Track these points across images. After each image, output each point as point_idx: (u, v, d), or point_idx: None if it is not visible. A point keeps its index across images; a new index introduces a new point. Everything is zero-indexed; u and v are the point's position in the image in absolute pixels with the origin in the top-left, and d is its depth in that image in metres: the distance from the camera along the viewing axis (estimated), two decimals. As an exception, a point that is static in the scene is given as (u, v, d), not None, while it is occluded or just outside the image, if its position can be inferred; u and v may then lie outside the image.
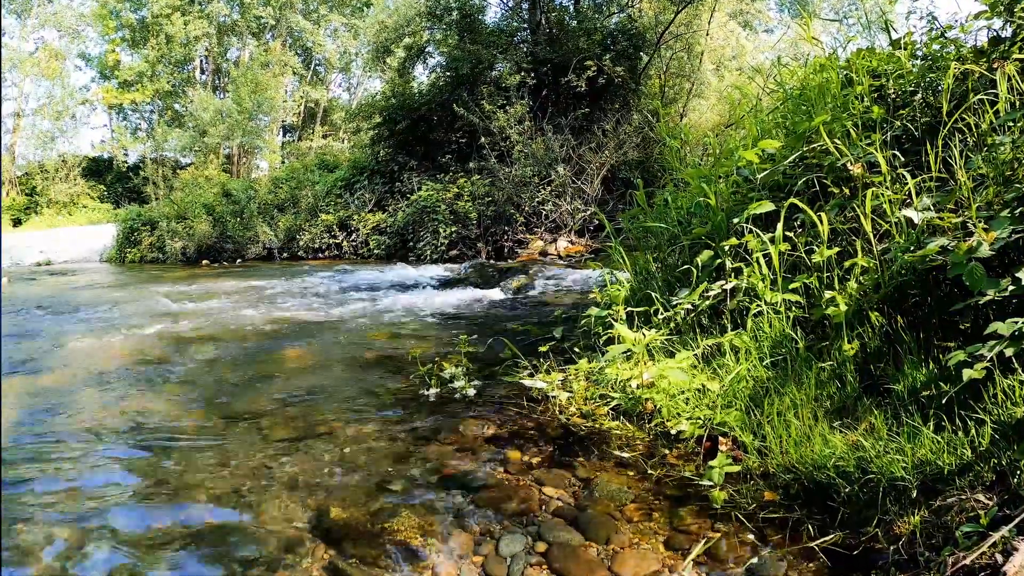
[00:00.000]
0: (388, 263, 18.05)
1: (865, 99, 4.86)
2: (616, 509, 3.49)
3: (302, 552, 3.17)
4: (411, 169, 20.76)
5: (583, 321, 5.97)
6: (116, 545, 3.29)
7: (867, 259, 4.12)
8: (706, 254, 5.06)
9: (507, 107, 19.22)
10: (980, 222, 3.55)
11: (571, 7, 22.82)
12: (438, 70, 23.40)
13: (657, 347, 4.93)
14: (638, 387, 4.59)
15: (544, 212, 18.25)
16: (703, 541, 3.09)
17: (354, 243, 20.74)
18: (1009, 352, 3.07)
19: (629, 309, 5.49)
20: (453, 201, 18.40)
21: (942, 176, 4.21)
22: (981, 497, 2.77)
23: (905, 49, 5.04)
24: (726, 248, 4.92)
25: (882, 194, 4.20)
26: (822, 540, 3.00)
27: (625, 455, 4.10)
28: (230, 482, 3.91)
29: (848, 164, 4.39)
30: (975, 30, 4.93)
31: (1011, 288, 3.25)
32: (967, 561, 2.50)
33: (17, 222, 37.29)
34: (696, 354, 4.67)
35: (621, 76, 20.04)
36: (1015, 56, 4.31)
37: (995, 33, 4.81)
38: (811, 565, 2.89)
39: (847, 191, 4.50)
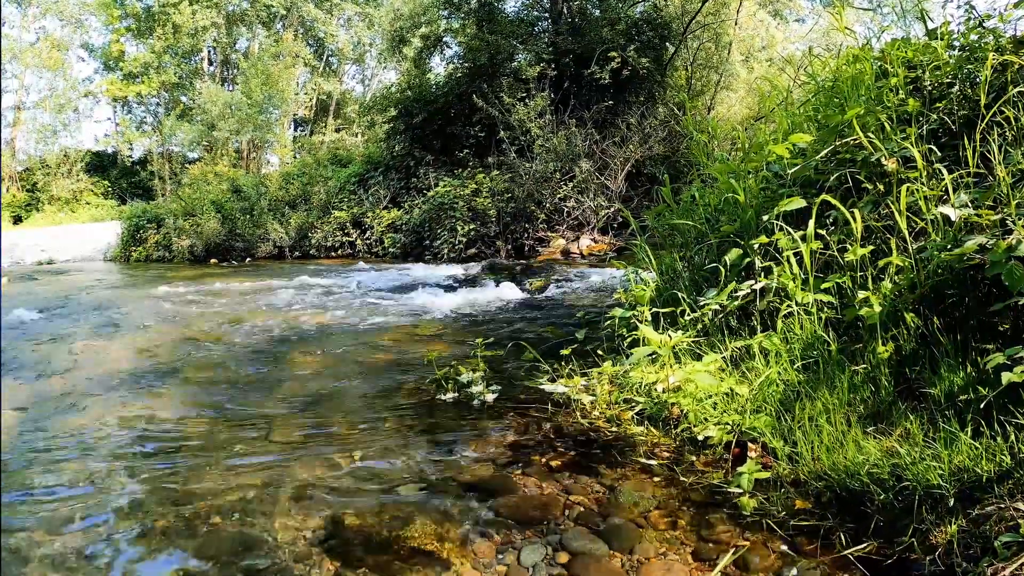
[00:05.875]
0: (404, 262, 18.11)
1: (900, 91, 4.86)
2: (641, 517, 3.50)
3: (314, 561, 3.19)
4: (427, 164, 20.82)
5: (606, 322, 5.97)
6: (119, 552, 3.32)
7: (902, 258, 4.12)
8: (735, 253, 5.06)
9: (527, 100, 19.25)
10: (1020, 219, 3.55)
11: (594, -5, 22.83)
12: (455, 61, 23.49)
13: (684, 349, 4.94)
14: (664, 391, 4.60)
15: (566, 209, 18.27)
16: (732, 551, 3.10)
17: (368, 241, 20.82)
18: (1050, 355, 3.07)
19: (655, 310, 5.50)
20: (471, 197, 18.43)
21: (980, 171, 4.21)
22: (1021, 506, 2.77)
23: (942, 39, 5.04)
24: (755, 246, 4.92)
25: (918, 190, 4.20)
26: (856, 549, 3.00)
27: (650, 462, 4.11)
28: (239, 488, 3.94)
29: (882, 159, 4.39)
30: (1015, 19, 4.92)
31: (1053, 288, 3.25)
32: (1006, 572, 2.50)
33: (18, 219, 37.49)
34: (724, 357, 4.68)
35: (646, 68, 20.04)
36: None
37: (1035, 23, 4.81)
38: (844, 576, 2.90)
39: (881, 187, 4.50)
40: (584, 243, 17.56)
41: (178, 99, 43.72)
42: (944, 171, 4.16)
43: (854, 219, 4.29)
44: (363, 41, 46.89)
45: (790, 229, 4.68)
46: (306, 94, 45.91)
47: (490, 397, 5.42)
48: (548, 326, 7.94)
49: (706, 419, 4.32)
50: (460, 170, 19.82)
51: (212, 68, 44.70)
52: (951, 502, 2.96)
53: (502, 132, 18.97)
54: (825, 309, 4.43)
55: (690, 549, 3.20)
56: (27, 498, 3.90)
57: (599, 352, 5.75)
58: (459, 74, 22.04)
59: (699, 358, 4.77)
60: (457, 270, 15.37)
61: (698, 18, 21.28)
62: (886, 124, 4.67)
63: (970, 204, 3.94)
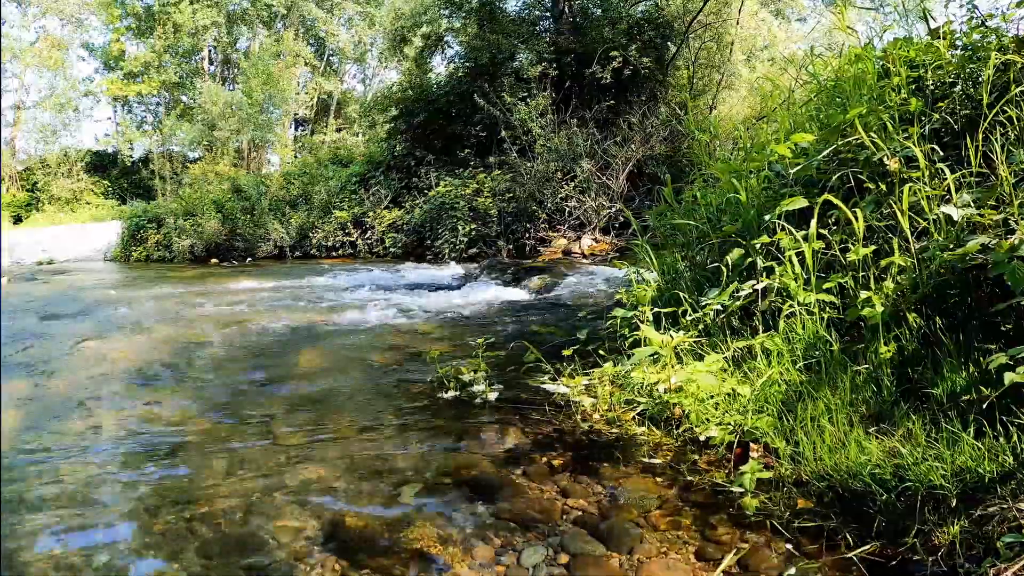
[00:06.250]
0: (405, 262, 18.09)
1: (902, 91, 4.85)
2: (642, 517, 3.50)
3: (315, 562, 3.19)
4: (428, 164, 20.81)
5: (608, 323, 5.97)
6: (121, 553, 3.33)
7: (904, 258, 4.12)
8: (736, 252, 5.05)
9: (528, 99, 19.25)
10: (1023, 219, 3.56)
11: (595, -6, 22.82)
12: (456, 60, 23.50)
13: (685, 350, 4.93)
14: (665, 391, 4.59)
15: (567, 209, 18.25)
16: (734, 551, 3.10)
17: (369, 241, 20.83)
18: (1053, 355, 3.08)
19: (656, 310, 5.50)
20: (472, 197, 18.44)
21: (983, 171, 4.21)
22: None
23: (944, 38, 5.03)
24: (757, 246, 4.91)
25: (920, 190, 4.20)
26: (859, 551, 3.00)
27: (652, 462, 4.11)
28: (239, 489, 3.94)
29: (885, 159, 4.39)
30: (1017, 19, 4.92)
31: (1055, 288, 3.25)
32: (1009, 573, 2.51)
33: (18, 219, 37.48)
34: (726, 357, 4.68)
35: (648, 67, 20.04)
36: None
37: (1038, 22, 4.81)
38: (846, 576, 2.90)
39: (883, 187, 4.49)
40: (586, 243, 17.54)
41: (179, 99, 43.73)
42: (946, 171, 4.15)
43: (856, 219, 4.28)
44: (364, 40, 46.88)
45: (792, 229, 4.68)
46: (307, 93, 45.94)
47: (492, 396, 5.41)
48: (550, 326, 7.93)
49: (708, 419, 4.31)
50: (461, 170, 19.83)
51: (213, 67, 44.72)
52: (954, 503, 2.97)
53: (503, 132, 18.96)
54: (827, 309, 4.43)
55: (692, 549, 3.20)
56: (28, 498, 3.90)
57: (601, 352, 5.75)
58: (460, 73, 22.05)
59: (701, 358, 4.76)
60: (458, 270, 15.36)
61: (700, 17, 21.26)
62: (888, 123, 4.66)
63: (972, 204, 3.94)
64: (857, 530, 3.16)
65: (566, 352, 5.84)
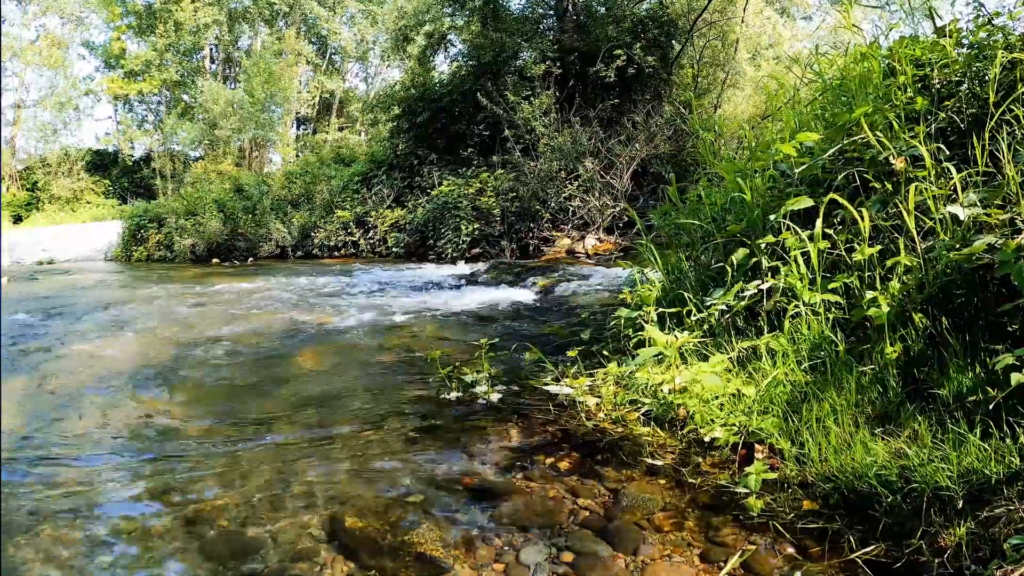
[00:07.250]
0: (407, 262, 18.11)
1: (908, 89, 4.85)
2: (646, 519, 3.50)
3: (317, 564, 3.19)
4: (431, 163, 20.82)
5: (612, 323, 5.97)
6: (120, 556, 3.32)
7: (910, 257, 4.11)
8: (741, 252, 5.05)
9: (532, 98, 19.26)
10: (1030, 219, 3.55)
11: (599, -7, 22.83)
12: (460, 59, 23.50)
13: (690, 350, 4.93)
14: (670, 392, 4.59)
15: (571, 208, 18.24)
16: (738, 553, 3.10)
17: (371, 241, 20.85)
18: (1060, 355, 3.07)
19: (661, 310, 5.49)
20: (475, 197, 18.44)
21: (989, 170, 4.20)
22: (1030, 507, 2.77)
23: (950, 37, 5.03)
24: (762, 246, 4.91)
25: (926, 189, 4.20)
26: (863, 552, 3.00)
27: (656, 463, 4.11)
28: (241, 491, 3.94)
29: (891, 158, 4.39)
30: (1024, 17, 4.92)
31: (1062, 288, 3.24)
32: (1015, 575, 2.50)
33: (18, 219, 37.55)
34: (731, 357, 4.68)
35: (652, 66, 20.03)
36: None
37: (1044, 21, 4.80)
38: (851, 578, 2.90)
39: (889, 186, 4.49)
40: (589, 242, 17.53)
41: (180, 97, 43.79)
42: (953, 170, 4.15)
43: (862, 218, 4.28)
44: (366, 39, 46.93)
45: (797, 228, 4.68)
46: (309, 92, 45.98)
47: (495, 397, 5.41)
48: (553, 326, 7.94)
49: (713, 420, 4.31)
50: (464, 169, 19.86)
51: (214, 66, 44.78)
52: (960, 504, 2.96)
53: (507, 131, 18.97)
54: (832, 309, 4.42)
55: (697, 551, 3.19)
56: (27, 501, 3.90)
57: (605, 352, 5.75)
58: (463, 72, 22.06)
59: (705, 359, 4.76)
60: (461, 270, 15.37)
61: (704, 15, 21.29)
62: (894, 122, 4.65)
63: (979, 203, 3.94)
64: (862, 532, 3.15)
65: (570, 352, 5.83)
